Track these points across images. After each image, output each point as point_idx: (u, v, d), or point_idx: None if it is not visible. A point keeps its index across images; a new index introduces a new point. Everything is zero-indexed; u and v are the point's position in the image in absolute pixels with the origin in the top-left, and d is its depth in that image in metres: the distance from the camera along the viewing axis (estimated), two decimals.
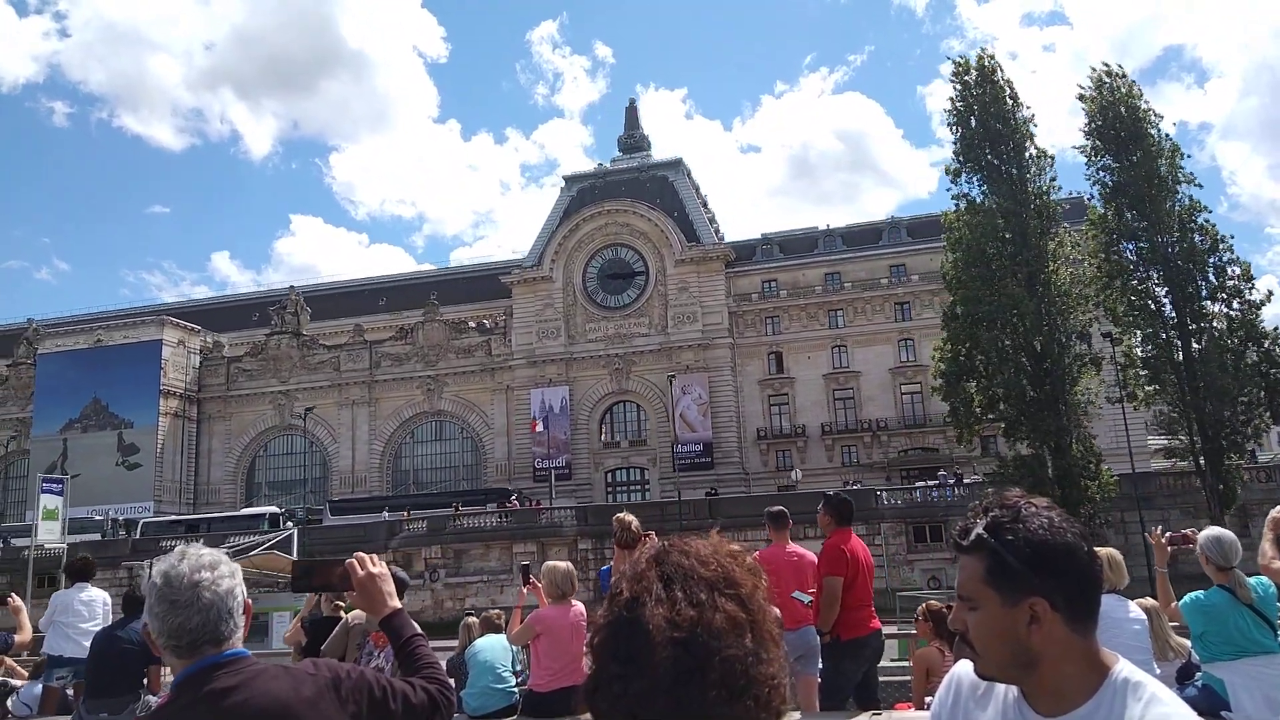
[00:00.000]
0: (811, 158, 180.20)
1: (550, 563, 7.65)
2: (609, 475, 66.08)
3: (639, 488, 65.20)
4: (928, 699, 7.03)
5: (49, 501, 29.80)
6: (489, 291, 77.49)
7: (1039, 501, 1.72)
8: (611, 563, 7.65)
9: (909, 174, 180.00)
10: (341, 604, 8.10)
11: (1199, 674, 6.20)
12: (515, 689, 8.14)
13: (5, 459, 78.59)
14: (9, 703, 8.95)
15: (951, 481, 42.36)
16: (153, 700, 7.30)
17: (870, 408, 62.39)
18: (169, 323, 72.13)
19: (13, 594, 8.39)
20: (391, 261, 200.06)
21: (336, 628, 7.65)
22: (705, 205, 72.72)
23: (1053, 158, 37.77)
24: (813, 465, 61.73)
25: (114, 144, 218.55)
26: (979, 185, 38.47)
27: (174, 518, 58.94)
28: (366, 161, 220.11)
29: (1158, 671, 5.91)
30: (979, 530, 1.70)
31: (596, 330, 67.53)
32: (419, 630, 2.68)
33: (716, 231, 70.18)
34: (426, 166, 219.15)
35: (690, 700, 1.36)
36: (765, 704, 1.40)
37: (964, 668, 1.87)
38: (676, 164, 72.13)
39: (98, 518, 58.37)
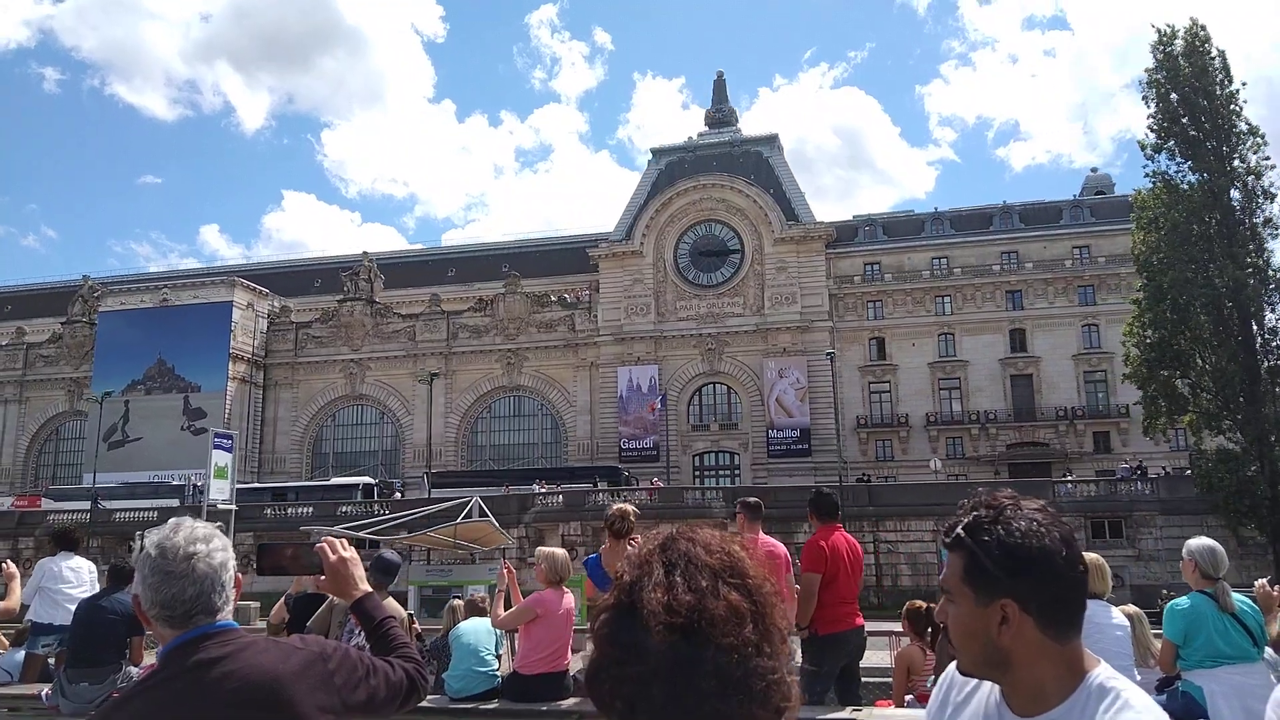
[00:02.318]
0: (809, 152, 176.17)
1: (548, 549, 7.70)
2: (697, 459, 63.76)
3: (728, 473, 62.92)
4: (908, 697, 7.30)
5: (220, 458, 27.30)
6: (565, 265, 75.13)
7: (1029, 503, 1.70)
8: (601, 550, 7.42)
9: (906, 173, 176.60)
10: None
11: (1178, 682, 6.10)
12: (497, 672, 8.06)
13: (55, 420, 75.97)
14: None
15: (1136, 474, 40.13)
16: (134, 671, 7.22)
17: (978, 399, 60.11)
18: (239, 284, 69.40)
19: (8, 560, 8.30)
20: (385, 240, 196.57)
21: (322, 606, 7.69)
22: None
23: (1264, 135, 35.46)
24: (915, 457, 59.54)
25: (105, 112, 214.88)
26: (1179, 162, 36.14)
27: (258, 485, 56.40)
28: (359, 139, 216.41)
29: (1138, 678, 5.84)
30: (959, 530, 1.70)
31: (688, 308, 65.07)
32: (390, 613, 2.71)
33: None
34: (420, 146, 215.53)
35: (684, 689, 1.33)
36: (763, 700, 1.36)
37: (956, 668, 1.88)
38: (772, 139, 69.58)
39: (177, 482, 55.84)
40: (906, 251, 63.14)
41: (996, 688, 1.76)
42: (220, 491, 27.33)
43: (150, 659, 6.85)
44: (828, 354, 54.56)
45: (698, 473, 62.88)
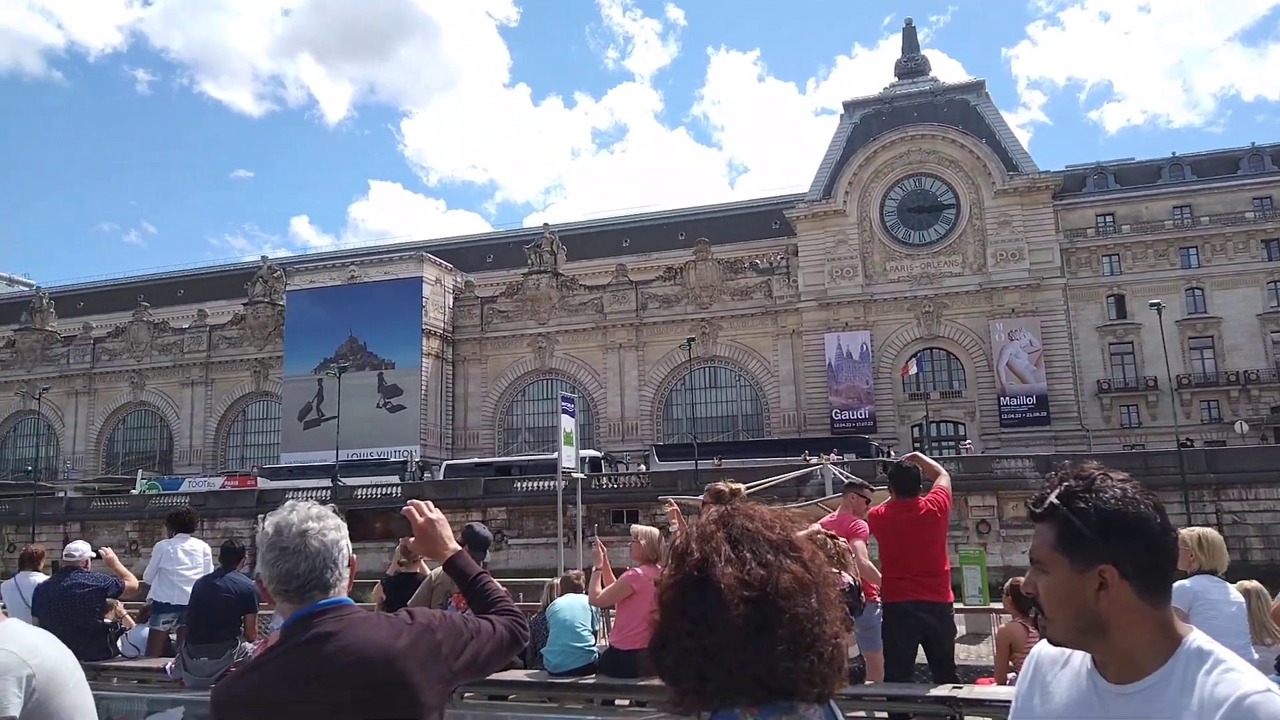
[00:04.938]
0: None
1: (644, 527, 7.87)
2: (915, 429, 60.03)
3: (952, 445, 58.99)
4: (1010, 674, 7.13)
5: (566, 423, 24.94)
6: (746, 230, 72.41)
7: (1115, 474, 1.73)
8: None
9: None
10: (404, 561, 8.61)
11: None
12: (594, 648, 8.04)
13: (242, 400, 76.50)
14: (119, 643, 9.01)
15: None
16: (249, 647, 7.62)
17: (1234, 358, 54.91)
18: (428, 259, 68.33)
19: (105, 548, 9.28)
20: (466, 225, 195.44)
21: (421, 585, 7.97)
22: None
23: None
24: (1164, 422, 54.53)
25: (195, 110, 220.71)
26: None
27: (478, 460, 55.14)
28: (438, 126, 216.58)
29: (1255, 656, 5.62)
30: (1052, 498, 1.73)
31: (899, 269, 61.21)
32: (482, 569, 2.74)
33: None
34: (497, 131, 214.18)
35: (759, 655, 1.44)
36: (829, 660, 1.49)
37: (1044, 646, 1.90)
38: (978, 86, 64.90)
39: (397, 459, 54.91)
40: (1144, 201, 58.00)
41: (1087, 661, 1.74)
42: (569, 459, 25.10)
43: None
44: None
45: (917, 444, 59.10)
